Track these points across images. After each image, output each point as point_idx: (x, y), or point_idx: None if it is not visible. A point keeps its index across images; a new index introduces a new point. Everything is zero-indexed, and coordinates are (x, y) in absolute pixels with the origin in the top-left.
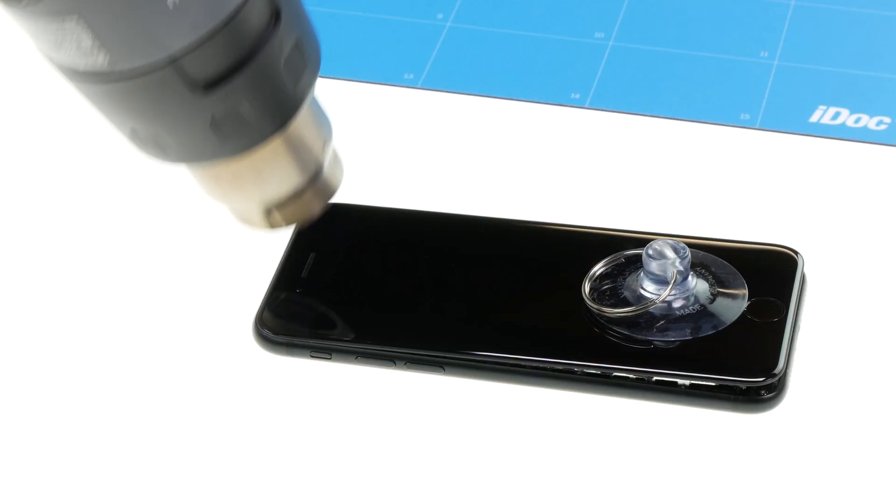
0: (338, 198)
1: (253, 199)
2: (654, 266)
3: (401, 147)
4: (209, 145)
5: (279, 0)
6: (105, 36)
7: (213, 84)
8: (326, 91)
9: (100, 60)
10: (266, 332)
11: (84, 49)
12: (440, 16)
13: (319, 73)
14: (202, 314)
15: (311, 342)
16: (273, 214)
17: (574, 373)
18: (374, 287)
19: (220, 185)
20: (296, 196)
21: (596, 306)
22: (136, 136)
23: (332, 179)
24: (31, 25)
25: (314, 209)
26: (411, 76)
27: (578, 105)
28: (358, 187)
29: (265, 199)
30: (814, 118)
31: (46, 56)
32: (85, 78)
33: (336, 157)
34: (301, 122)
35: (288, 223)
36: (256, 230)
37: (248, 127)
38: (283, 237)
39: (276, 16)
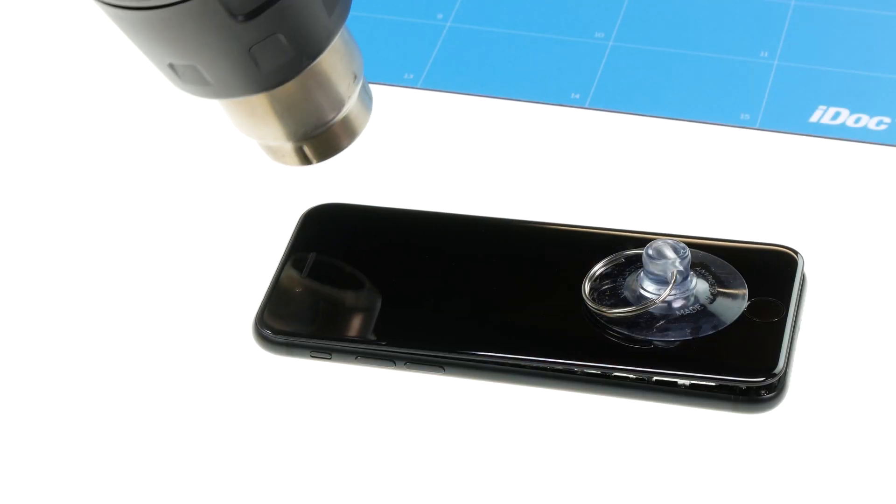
0: (338, 198)
1: (285, 133)
2: (654, 266)
3: (401, 147)
4: (246, 77)
5: None
6: None
7: (252, 12)
8: None
9: None
10: (266, 332)
11: None
12: (440, 16)
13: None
14: (202, 314)
15: (311, 342)
16: (304, 149)
17: (574, 373)
18: (373, 287)
19: (254, 120)
20: (326, 130)
21: (596, 306)
22: (173, 71)
23: (362, 114)
24: None
25: (344, 143)
26: (411, 76)
27: (578, 105)
28: (358, 187)
29: (297, 132)
30: (814, 118)
31: None
32: (126, 6)
33: (366, 91)
34: (333, 54)
35: (318, 158)
36: (287, 165)
37: (284, 57)
38: (282, 237)
39: None
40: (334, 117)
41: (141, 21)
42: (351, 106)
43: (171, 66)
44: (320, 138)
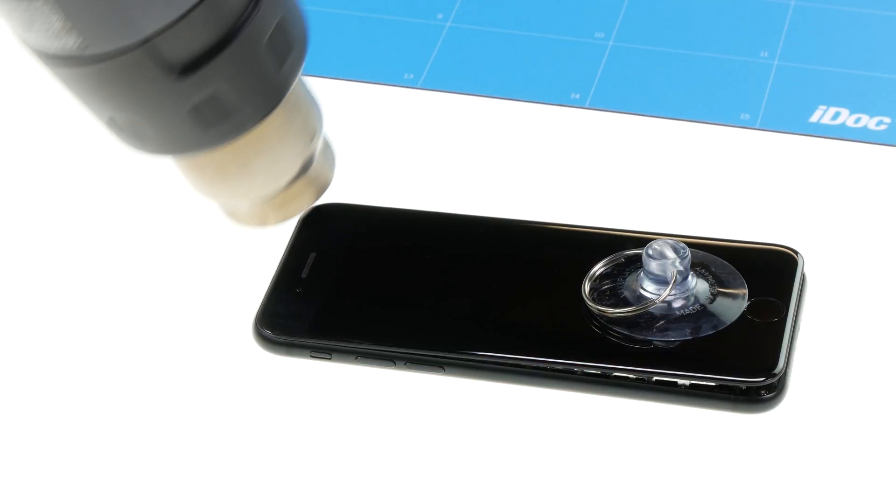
0: (338, 198)
1: (240, 193)
2: (654, 266)
3: (401, 147)
4: (189, 134)
5: None
6: (75, 16)
7: (189, 67)
8: (326, 91)
9: (70, 43)
10: (266, 332)
11: (55, 30)
12: (440, 16)
13: (320, 73)
14: (202, 314)
15: (311, 342)
16: (262, 210)
17: (574, 373)
18: (373, 287)
19: (205, 178)
20: (286, 190)
21: (596, 306)
22: (114, 125)
23: (324, 172)
24: (3, 6)
25: (305, 204)
26: (411, 76)
27: (578, 105)
28: (358, 187)
29: (253, 193)
30: (814, 118)
31: (20, 38)
32: (57, 62)
33: (328, 148)
34: (287, 111)
35: (278, 219)
36: (247, 227)
37: (230, 114)
38: (282, 237)
39: None
40: (292, 178)
41: (75, 77)
42: (310, 165)
43: (112, 121)
44: (278, 199)
